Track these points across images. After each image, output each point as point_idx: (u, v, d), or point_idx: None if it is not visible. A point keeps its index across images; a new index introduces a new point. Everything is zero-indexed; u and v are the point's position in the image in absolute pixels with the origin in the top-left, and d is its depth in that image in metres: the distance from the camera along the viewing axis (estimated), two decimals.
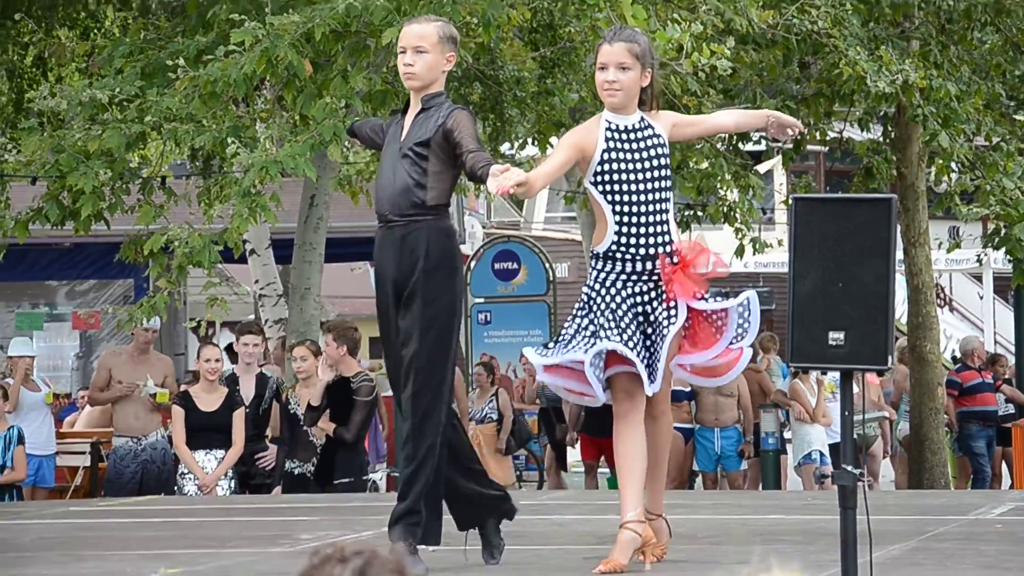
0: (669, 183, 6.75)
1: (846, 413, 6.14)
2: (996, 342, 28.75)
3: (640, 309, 6.63)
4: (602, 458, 16.82)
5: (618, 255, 6.64)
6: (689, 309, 6.65)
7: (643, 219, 6.62)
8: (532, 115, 14.81)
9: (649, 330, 6.63)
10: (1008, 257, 15.43)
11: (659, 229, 6.65)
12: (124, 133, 11.41)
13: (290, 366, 13.20)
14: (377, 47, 11.26)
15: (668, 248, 6.65)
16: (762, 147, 16.83)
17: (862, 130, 16.17)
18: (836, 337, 6.02)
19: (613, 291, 6.62)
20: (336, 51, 11.32)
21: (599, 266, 6.67)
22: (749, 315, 6.69)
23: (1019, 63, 14.88)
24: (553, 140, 16.41)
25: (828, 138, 16.28)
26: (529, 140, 16.52)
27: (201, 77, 11.08)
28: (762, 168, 19.65)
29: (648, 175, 6.67)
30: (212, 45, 11.54)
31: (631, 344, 6.56)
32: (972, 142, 14.93)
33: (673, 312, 6.63)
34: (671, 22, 11.70)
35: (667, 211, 6.69)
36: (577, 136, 6.82)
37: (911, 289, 15.96)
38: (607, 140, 6.71)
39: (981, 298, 31.44)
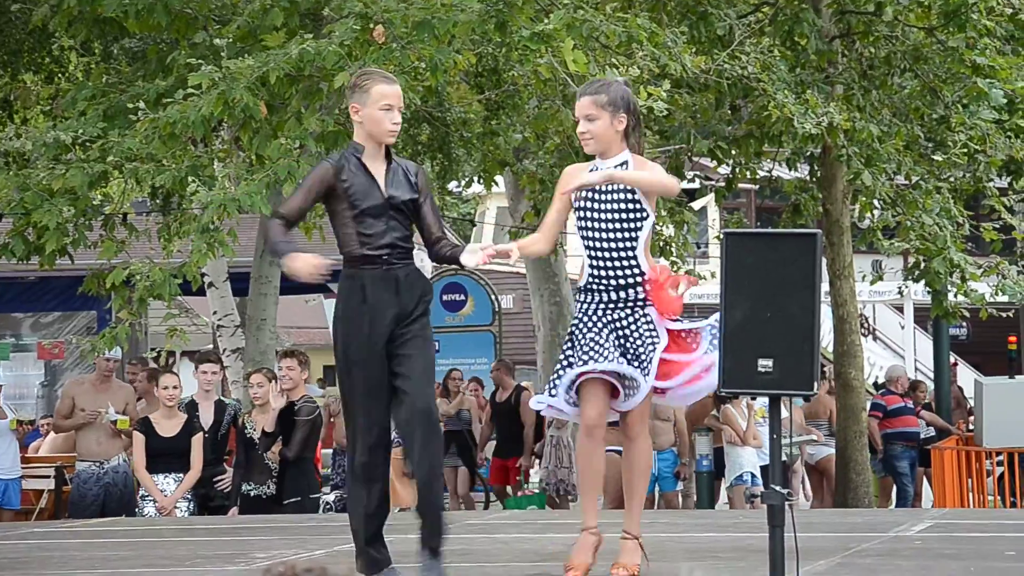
0: (638, 218, 6.85)
1: (774, 436, 6.16)
2: (916, 369, 28.92)
3: (621, 332, 6.83)
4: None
5: (594, 287, 6.87)
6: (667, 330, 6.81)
7: (612, 254, 6.84)
8: (478, 154, 14.84)
9: (630, 350, 6.81)
10: (927, 289, 15.55)
11: (628, 263, 6.85)
12: (87, 172, 11.37)
13: (246, 392, 13.15)
14: (329, 90, 11.25)
15: (644, 277, 6.84)
16: (696, 185, 16.91)
17: (790, 169, 16.27)
18: (765, 364, 6.05)
19: (595, 318, 6.85)
20: (290, 94, 11.32)
21: (581, 298, 6.92)
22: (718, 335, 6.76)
23: (936, 107, 15.00)
24: (498, 178, 16.43)
25: (758, 177, 16.37)
26: (475, 178, 16.54)
27: (161, 119, 11.05)
28: (697, 205, 19.74)
29: (616, 215, 6.85)
30: (171, 88, 11.52)
31: (602, 357, 6.74)
32: (893, 181, 15.04)
33: (654, 335, 6.83)
34: (610, 67, 11.75)
35: (635, 246, 6.85)
36: (564, 181, 7.03)
37: (836, 319, 16.04)
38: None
39: (902, 327, 31.62)
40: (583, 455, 6.89)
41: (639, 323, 6.83)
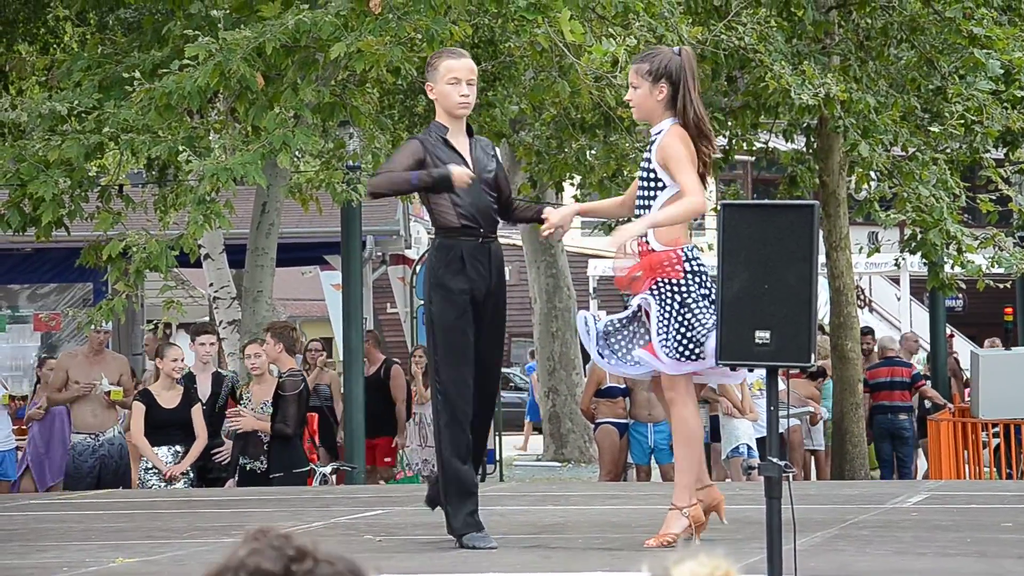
0: (653, 183, 6.95)
1: (771, 408, 6.16)
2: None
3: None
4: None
5: None
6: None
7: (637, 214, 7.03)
8: (474, 126, 14.78)
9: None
10: (923, 261, 15.55)
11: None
12: (83, 143, 11.34)
13: (243, 364, 13.18)
14: (325, 61, 11.22)
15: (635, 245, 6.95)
16: None
17: (786, 140, 16.25)
18: (762, 336, 6.04)
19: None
20: (286, 65, 11.29)
21: None
22: None
23: (932, 78, 14.98)
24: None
25: (755, 148, 16.35)
26: None
27: (157, 90, 11.02)
28: None
29: (641, 177, 7.04)
30: (167, 59, 11.48)
31: (615, 356, 6.97)
32: (890, 152, 15.02)
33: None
34: (606, 37, 11.73)
35: (646, 209, 6.95)
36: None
37: (833, 291, 16.05)
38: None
39: (898, 299, 31.66)
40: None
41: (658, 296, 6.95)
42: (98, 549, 7.82)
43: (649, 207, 6.91)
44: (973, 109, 14.50)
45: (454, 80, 7.13)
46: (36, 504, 11.25)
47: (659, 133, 6.94)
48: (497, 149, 7.48)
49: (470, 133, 7.27)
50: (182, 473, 11.97)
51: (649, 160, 6.95)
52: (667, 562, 2.20)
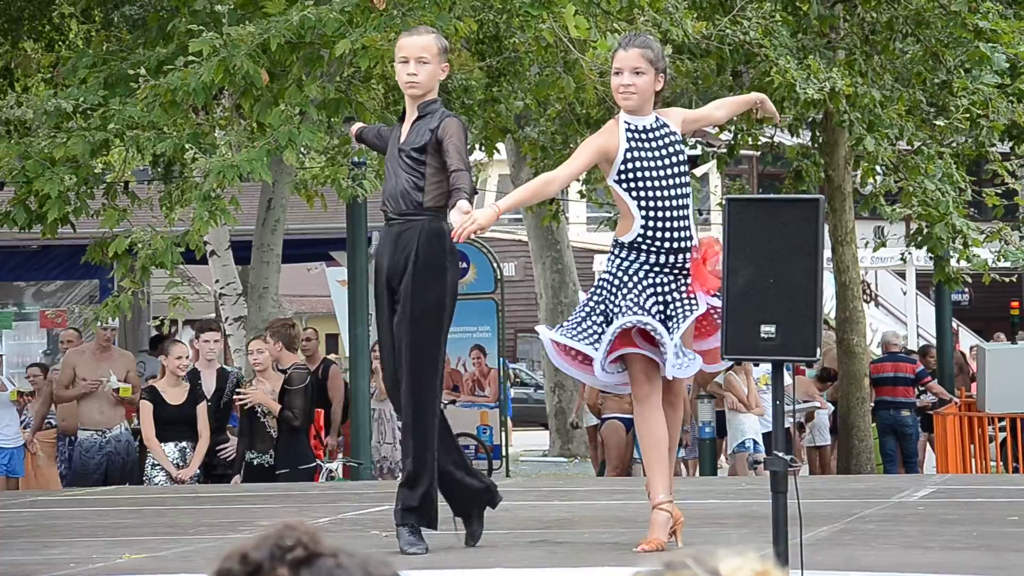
0: (688, 179, 6.85)
1: (777, 403, 6.16)
2: (919, 335, 28.95)
3: (660, 299, 6.68)
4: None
5: (643, 247, 6.71)
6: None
7: (667, 213, 6.71)
8: (479, 122, 14.80)
9: (668, 321, 6.67)
10: (929, 255, 15.55)
11: (682, 224, 6.75)
12: (88, 140, 11.35)
13: (248, 360, 13.19)
14: (330, 57, 11.23)
15: (692, 243, 6.74)
16: (698, 152, 16.86)
17: (792, 135, 16.24)
18: (767, 330, 6.04)
19: (636, 279, 6.69)
20: (291, 61, 11.29)
21: (623, 255, 6.73)
22: None
23: (938, 72, 14.96)
24: (500, 146, 16.39)
25: (760, 143, 16.34)
26: (477, 145, 16.52)
27: (162, 86, 11.02)
28: (698, 171, 19.74)
29: (669, 171, 6.76)
30: (172, 56, 11.49)
31: (643, 311, 6.59)
32: (895, 146, 15.02)
33: (693, 303, 6.69)
34: (611, 32, 11.72)
35: (687, 207, 6.79)
36: (599, 140, 6.84)
37: (839, 285, 16.05)
38: (628, 140, 6.74)
39: (904, 294, 31.65)
40: (643, 425, 6.72)
41: (680, 292, 6.69)
42: (105, 545, 7.84)
43: (688, 196, 6.77)
44: (979, 103, 14.48)
45: (402, 59, 6.89)
46: (43, 500, 11.27)
47: (664, 124, 6.80)
48: (454, 122, 6.82)
49: (424, 111, 6.85)
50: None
51: (680, 142, 6.74)
52: (714, 560, 2.16)
